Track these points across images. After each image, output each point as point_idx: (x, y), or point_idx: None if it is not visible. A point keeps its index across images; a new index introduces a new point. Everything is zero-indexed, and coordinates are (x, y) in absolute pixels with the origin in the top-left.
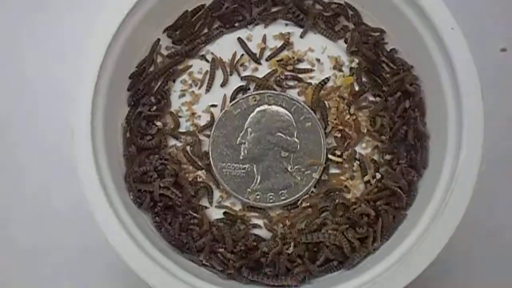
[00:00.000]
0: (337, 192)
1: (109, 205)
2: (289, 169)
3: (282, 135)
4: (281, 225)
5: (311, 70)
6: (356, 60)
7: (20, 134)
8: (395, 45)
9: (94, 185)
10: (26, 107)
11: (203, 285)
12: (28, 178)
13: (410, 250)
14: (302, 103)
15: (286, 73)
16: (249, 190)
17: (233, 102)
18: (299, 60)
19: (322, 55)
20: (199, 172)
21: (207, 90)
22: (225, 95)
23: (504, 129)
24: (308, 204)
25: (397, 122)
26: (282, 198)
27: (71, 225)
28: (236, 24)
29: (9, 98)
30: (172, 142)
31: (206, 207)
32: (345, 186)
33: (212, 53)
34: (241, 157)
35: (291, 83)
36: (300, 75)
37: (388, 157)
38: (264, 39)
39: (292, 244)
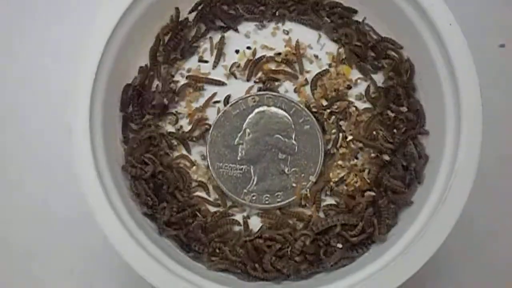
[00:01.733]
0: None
1: (108, 203)
2: (286, 171)
3: (280, 137)
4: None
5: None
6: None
7: (18, 134)
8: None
9: (93, 184)
10: (25, 107)
11: (205, 284)
12: (27, 178)
13: (408, 247)
14: (301, 106)
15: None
16: (245, 191)
17: (232, 102)
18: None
19: (320, 51)
20: (197, 173)
21: (214, 67)
22: (218, 108)
23: (503, 125)
24: (309, 201)
25: (395, 132)
26: (278, 200)
27: (70, 225)
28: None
29: (7, 98)
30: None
31: (207, 206)
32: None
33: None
34: (238, 158)
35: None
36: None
37: (386, 157)
38: (254, 53)
39: (299, 238)
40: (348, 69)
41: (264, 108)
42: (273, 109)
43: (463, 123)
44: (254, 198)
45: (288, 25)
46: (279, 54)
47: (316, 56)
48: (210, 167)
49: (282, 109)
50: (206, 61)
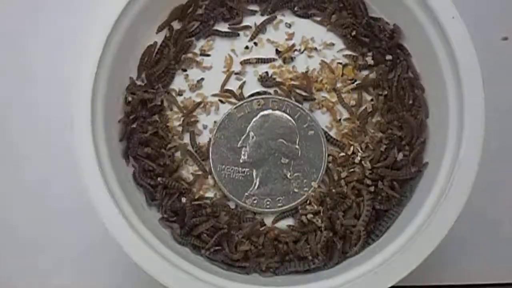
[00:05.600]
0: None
1: (109, 195)
2: (288, 176)
3: (283, 141)
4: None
5: (273, 60)
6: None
7: (20, 126)
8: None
9: (94, 175)
10: (26, 99)
11: (205, 276)
12: (28, 171)
13: (410, 240)
14: (306, 111)
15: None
16: (246, 194)
17: (237, 105)
18: (298, 50)
19: (321, 45)
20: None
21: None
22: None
23: (506, 119)
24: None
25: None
26: (279, 205)
27: (72, 218)
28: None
29: (9, 90)
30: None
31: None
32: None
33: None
34: (241, 161)
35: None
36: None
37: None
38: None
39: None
40: (350, 70)
41: (269, 111)
42: (278, 113)
43: (466, 117)
44: (255, 202)
45: (290, 18)
46: (279, 51)
47: (319, 50)
48: (212, 169)
49: (287, 113)
50: (208, 55)
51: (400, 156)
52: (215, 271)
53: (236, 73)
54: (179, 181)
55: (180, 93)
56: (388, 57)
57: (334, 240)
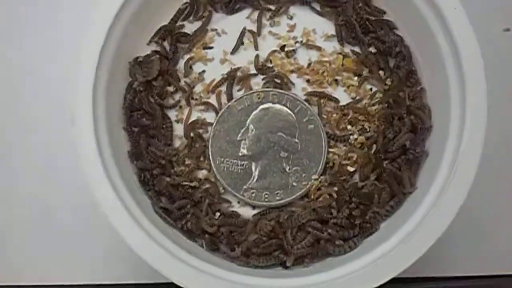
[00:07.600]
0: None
1: (113, 190)
2: (287, 169)
3: (283, 135)
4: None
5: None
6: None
7: (20, 122)
8: (397, 25)
9: (97, 172)
10: (27, 95)
11: (207, 268)
12: (27, 171)
13: (411, 232)
14: (307, 104)
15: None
16: (245, 187)
17: (236, 98)
18: (299, 42)
19: (321, 39)
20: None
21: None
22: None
23: (508, 110)
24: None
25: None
26: (277, 198)
27: (73, 216)
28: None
29: (9, 86)
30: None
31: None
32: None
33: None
34: (240, 154)
35: None
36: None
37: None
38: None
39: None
40: (350, 61)
41: (269, 105)
42: (278, 106)
43: (468, 108)
44: (253, 195)
45: (292, 9)
46: (284, 46)
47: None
48: (211, 161)
49: (287, 107)
50: (211, 47)
51: (407, 142)
52: (217, 263)
53: (237, 69)
54: (180, 173)
55: (192, 85)
56: (388, 43)
57: (335, 233)
